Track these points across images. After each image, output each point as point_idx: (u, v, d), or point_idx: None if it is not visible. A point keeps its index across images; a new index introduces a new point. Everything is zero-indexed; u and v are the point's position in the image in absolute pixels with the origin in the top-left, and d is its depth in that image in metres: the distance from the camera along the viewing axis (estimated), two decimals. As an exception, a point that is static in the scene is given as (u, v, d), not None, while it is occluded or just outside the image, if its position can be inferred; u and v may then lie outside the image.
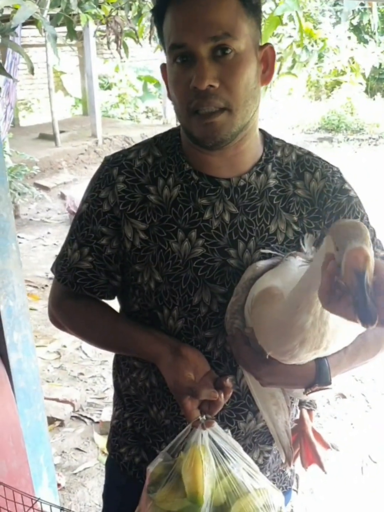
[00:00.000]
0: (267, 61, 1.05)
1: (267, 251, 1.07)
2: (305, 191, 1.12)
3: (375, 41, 9.00)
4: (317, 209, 1.11)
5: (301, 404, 1.17)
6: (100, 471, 2.71)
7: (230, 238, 1.07)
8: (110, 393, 3.18)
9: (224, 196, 1.08)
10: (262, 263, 1.04)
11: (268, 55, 1.05)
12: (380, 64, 9.67)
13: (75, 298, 1.17)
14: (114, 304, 1.20)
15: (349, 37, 8.24)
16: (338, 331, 0.86)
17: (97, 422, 3.03)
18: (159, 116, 11.68)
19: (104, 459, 2.72)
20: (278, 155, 1.14)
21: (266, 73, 1.06)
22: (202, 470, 1.00)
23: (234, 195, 1.08)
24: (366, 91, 11.99)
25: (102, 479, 2.68)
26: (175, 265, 1.07)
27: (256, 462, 1.15)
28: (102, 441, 2.85)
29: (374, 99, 12.42)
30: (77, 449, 2.86)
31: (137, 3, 4.20)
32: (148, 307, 1.11)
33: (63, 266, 1.15)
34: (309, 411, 1.17)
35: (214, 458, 1.03)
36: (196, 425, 1.02)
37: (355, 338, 0.92)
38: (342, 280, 0.72)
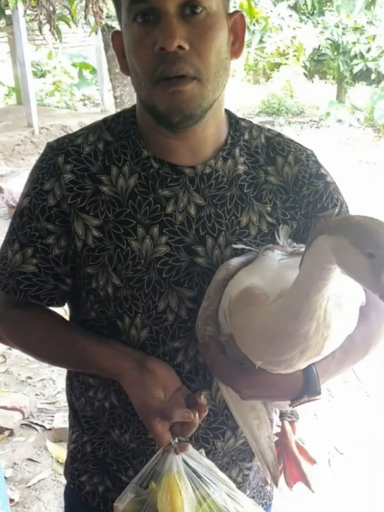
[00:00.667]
0: (236, 32, 0.93)
1: (239, 246, 0.95)
2: (278, 178, 1.00)
3: (313, 22, 9.00)
4: (292, 198, 1.00)
5: (283, 415, 1.06)
6: (56, 482, 2.55)
7: (197, 234, 0.94)
8: (62, 397, 3.00)
9: (188, 186, 0.95)
10: (235, 261, 0.91)
11: (238, 24, 0.93)
12: (319, 46, 9.68)
13: (19, 308, 1.02)
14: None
15: (290, 15, 8.18)
16: (336, 332, 0.77)
17: (50, 429, 2.85)
18: (97, 103, 11.36)
19: (59, 468, 2.56)
20: (245, 137, 1.01)
21: (236, 45, 0.94)
22: (181, 500, 0.88)
23: (199, 184, 0.95)
24: (305, 74, 12.04)
25: (58, 491, 2.53)
26: (135, 267, 0.93)
27: (235, 481, 1.04)
28: (56, 449, 2.68)
29: (312, 81, 12.49)
30: (30, 459, 2.68)
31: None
32: (106, 314, 0.97)
33: (3, 271, 0.99)
34: (292, 422, 1.05)
35: (191, 484, 0.91)
36: (168, 450, 0.90)
37: (343, 341, 0.82)
38: None
